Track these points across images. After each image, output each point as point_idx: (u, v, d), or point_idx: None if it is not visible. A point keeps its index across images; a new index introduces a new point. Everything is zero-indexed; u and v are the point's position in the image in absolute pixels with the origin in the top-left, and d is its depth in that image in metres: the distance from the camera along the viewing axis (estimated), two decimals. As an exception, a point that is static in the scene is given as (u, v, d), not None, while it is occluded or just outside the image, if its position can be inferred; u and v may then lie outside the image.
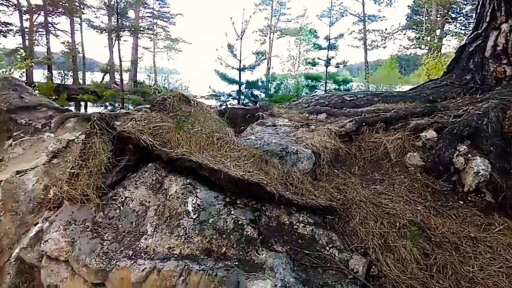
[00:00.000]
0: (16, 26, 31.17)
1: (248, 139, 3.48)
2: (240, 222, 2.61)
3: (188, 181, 2.86)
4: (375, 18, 39.15)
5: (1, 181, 4.85)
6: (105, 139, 3.12)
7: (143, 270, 2.48)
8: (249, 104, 11.93)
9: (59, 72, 31.97)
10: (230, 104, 10.85)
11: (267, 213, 2.72)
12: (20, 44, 30.01)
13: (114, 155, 3.11)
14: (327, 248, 2.64)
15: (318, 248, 2.62)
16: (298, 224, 2.77)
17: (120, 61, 11.76)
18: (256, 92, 13.50)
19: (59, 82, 29.16)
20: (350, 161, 3.83)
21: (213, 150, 2.93)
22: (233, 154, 2.91)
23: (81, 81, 32.77)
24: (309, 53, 34.75)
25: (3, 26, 30.19)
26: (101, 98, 11.85)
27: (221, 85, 13.14)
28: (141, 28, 33.00)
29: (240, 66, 12.58)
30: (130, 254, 2.60)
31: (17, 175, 4.99)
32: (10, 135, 6.63)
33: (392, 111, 4.58)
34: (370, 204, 3.07)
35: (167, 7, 40.52)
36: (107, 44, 33.83)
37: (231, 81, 12.76)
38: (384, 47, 40.85)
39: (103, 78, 30.12)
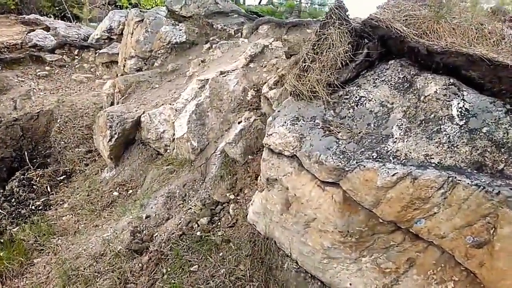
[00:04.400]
0: None
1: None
2: (528, 136, 2.08)
3: (451, 81, 2.40)
4: None
5: (208, 79, 5.22)
6: (343, 30, 2.81)
7: (393, 175, 2.23)
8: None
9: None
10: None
11: (561, 132, 2.11)
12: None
13: (352, 49, 2.80)
14: None
15: None
16: None
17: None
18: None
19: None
20: None
21: (486, 45, 2.36)
22: (517, 52, 2.30)
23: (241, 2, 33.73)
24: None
25: None
26: (276, 12, 11.88)
27: None
28: None
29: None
30: (375, 157, 2.36)
31: (221, 75, 5.30)
32: (208, 39, 7.12)
33: None
34: None
35: None
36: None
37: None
38: None
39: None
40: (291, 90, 3.11)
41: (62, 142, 6.55)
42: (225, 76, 5.25)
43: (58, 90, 8.22)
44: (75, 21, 13.69)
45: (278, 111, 3.23)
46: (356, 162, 2.41)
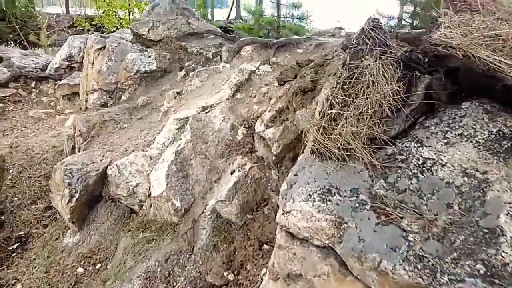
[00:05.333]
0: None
1: None
2: None
3: None
4: None
5: (188, 117, 4.21)
6: (386, 60, 1.87)
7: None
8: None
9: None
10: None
11: None
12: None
13: (403, 88, 1.87)
14: None
15: None
16: None
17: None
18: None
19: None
20: None
21: None
22: None
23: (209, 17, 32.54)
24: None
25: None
26: (253, 29, 10.96)
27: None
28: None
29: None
30: (483, 273, 1.41)
31: (203, 111, 4.30)
32: (182, 65, 6.09)
33: None
34: None
35: None
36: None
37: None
38: None
39: (229, 14, 29.31)
40: (313, 148, 2.15)
41: (16, 199, 5.36)
42: (208, 112, 4.25)
43: (13, 130, 7.04)
44: (33, 48, 12.42)
45: (295, 175, 2.25)
46: (450, 280, 1.46)
